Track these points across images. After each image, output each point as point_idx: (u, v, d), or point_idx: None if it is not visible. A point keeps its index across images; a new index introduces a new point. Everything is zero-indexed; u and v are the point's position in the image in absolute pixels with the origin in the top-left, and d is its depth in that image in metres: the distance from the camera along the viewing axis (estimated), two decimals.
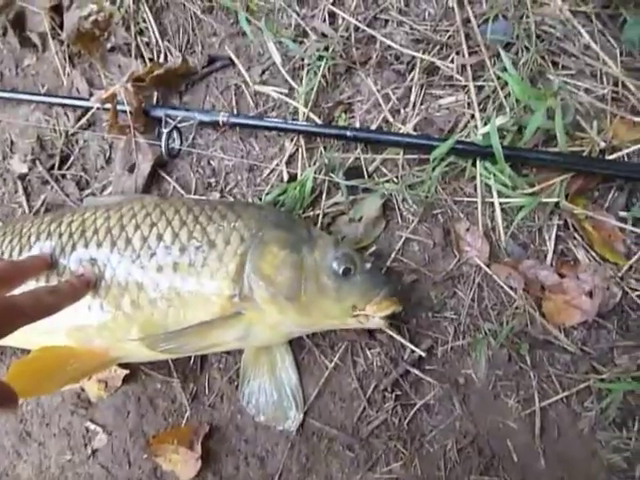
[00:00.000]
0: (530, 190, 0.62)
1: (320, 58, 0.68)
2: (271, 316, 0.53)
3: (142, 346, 0.54)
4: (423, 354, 0.60)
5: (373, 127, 0.67)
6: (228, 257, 0.54)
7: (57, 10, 0.71)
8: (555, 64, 0.66)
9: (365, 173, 0.66)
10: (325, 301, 0.53)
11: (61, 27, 0.72)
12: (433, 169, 0.63)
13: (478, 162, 0.63)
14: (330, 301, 0.53)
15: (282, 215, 0.61)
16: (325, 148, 0.67)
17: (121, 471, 0.63)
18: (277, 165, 0.68)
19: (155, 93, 0.71)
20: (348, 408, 0.61)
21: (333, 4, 0.70)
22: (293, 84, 0.68)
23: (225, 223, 0.56)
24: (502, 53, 0.63)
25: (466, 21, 0.68)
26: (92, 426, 0.64)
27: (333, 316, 0.54)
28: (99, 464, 0.63)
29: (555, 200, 0.61)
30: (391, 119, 0.67)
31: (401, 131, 0.66)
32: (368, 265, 0.56)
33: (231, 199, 0.67)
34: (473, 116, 0.66)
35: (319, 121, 0.67)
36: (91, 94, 0.71)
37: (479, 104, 0.66)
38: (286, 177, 0.67)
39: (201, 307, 0.53)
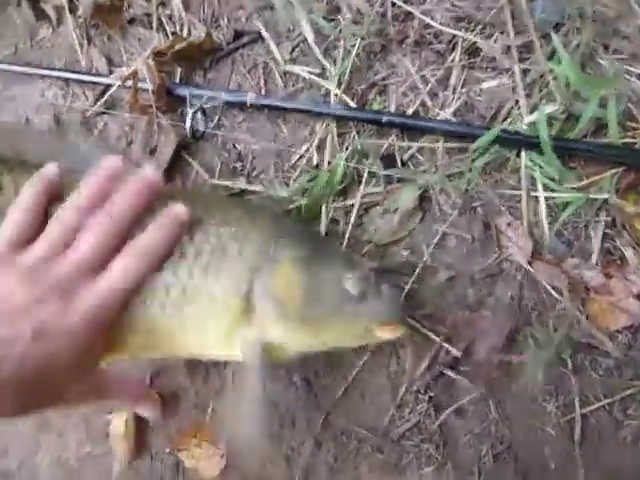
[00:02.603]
0: (577, 184, 0.58)
1: (354, 36, 0.63)
2: (281, 337, 0.49)
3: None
4: (459, 355, 0.57)
5: (410, 111, 0.63)
6: (240, 270, 0.49)
7: None
8: (606, 47, 0.62)
9: (400, 161, 0.62)
10: (338, 324, 0.50)
11: None
12: (474, 160, 0.60)
13: (523, 153, 0.59)
14: (343, 324, 0.50)
15: (300, 228, 0.57)
16: (358, 132, 0.63)
17: (142, 465, 0.62)
18: (307, 150, 0.64)
19: (178, 70, 0.67)
20: (378, 409, 0.58)
21: None
22: (325, 63, 0.64)
23: (240, 230, 0.50)
24: (553, 35, 0.59)
25: None
26: (111, 417, 0.62)
27: (345, 339, 0.51)
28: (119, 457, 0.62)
29: (604, 197, 0.58)
30: (429, 103, 0.62)
31: (440, 116, 0.62)
32: (385, 288, 0.52)
33: (258, 187, 0.63)
34: (518, 102, 0.61)
35: (352, 104, 0.63)
36: (110, 71, 0.67)
37: (525, 89, 0.61)
38: (315, 163, 0.63)
39: (210, 319, 0.49)
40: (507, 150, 0.59)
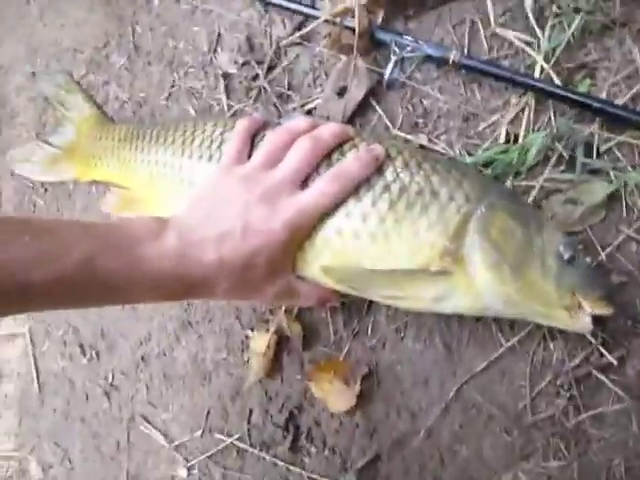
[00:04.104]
0: None
1: (576, 10, 0.59)
2: (485, 285, 0.50)
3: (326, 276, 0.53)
4: (614, 362, 0.56)
5: (618, 102, 0.59)
6: (450, 213, 0.51)
7: None
8: None
9: (595, 152, 0.59)
10: (547, 282, 0.50)
11: None
12: None
13: None
14: (551, 284, 0.50)
15: (506, 187, 0.57)
16: (555, 113, 0.60)
17: (272, 384, 0.66)
18: (497, 121, 0.62)
19: (381, 13, 0.66)
20: (515, 393, 0.58)
21: None
22: (538, 33, 0.61)
23: (450, 177, 0.52)
24: None
25: None
26: (252, 334, 0.66)
27: (548, 301, 0.50)
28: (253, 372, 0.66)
29: None
30: None
31: None
32: (589, 260, 0.53)
33: (439, 147, 0.63)
34: None
35: (558, 81, 0.60)
36: (313, 3, 0.67)
37: None
38: (504, 136, 0.61)
39: (406, 254, 0.51)
40: None
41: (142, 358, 0.72)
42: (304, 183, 0.53)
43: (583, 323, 0.50)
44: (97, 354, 0.75)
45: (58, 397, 0.77)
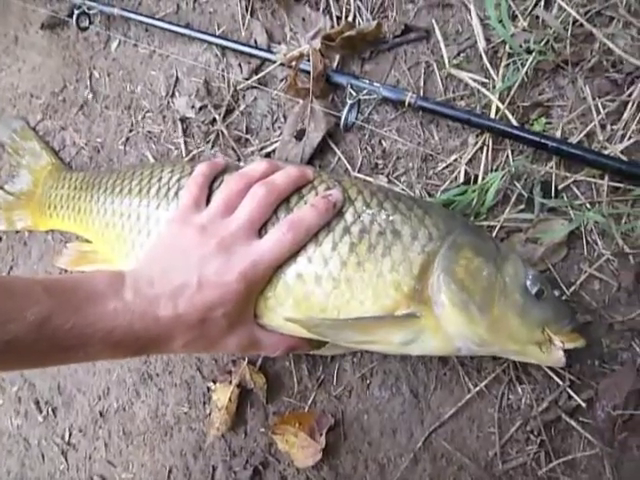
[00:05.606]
0: None
1: (528, 51, 0.60)
2: (453, 325, 0.48)
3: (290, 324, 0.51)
4: (583, 404, 0.54)
5: (573, 140, 0.59)
6: (414, 252, 0.49)
7: None
8: None
9: (554, 190, 0.59)
10: (515, 320, 0.48)
11: None
12: (632, 204, 0.56)
13: None
14: (520, 321, 0.48)
15: (470, 222, 0.56)
16: (512, 152, 0.61)
17: (235, 438, 0.63)
18: (456, 161, 0.62)
19: (336, 57, 0.66)
20: (485, 440, 0.56)
21: None
22: (493, 74, 0.61)
23: (413, 215, 0.51)
24: None
25: None
26: (214, 387, 0.64)
27: (518, 338, 0.49)
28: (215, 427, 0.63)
29: None
30: (600, 136, 0.59)
31: (607, 152, 0.58)
32: (557, 292, 0.52)
33: (398, 188, 0.62)
34: None
35: (514, 121, 0.60)
36: (269, 47, 0.67)
37: None
38: (462, 177, 0.61)
39: (371, 297, 0.49)
40: None
41: (100, 414, 0.69)
42: (263, 228, 0.51)
43: (556, 357, 0.49)
44: (53, 410, 0.71)
45: (12, 457, 0.73)
